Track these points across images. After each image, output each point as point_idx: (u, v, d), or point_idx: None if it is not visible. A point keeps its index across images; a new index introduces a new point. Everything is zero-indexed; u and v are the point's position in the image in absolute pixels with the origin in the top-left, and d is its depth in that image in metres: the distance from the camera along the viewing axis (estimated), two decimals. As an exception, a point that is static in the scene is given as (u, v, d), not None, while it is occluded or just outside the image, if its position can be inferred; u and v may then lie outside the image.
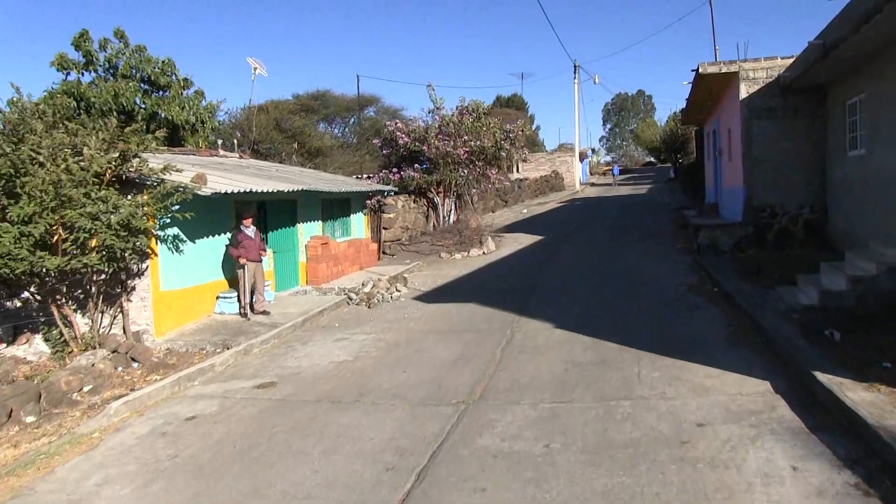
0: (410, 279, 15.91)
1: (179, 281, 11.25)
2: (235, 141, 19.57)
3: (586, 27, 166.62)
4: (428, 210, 22.38)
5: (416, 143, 20.87)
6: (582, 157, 61.73)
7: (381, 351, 9.71)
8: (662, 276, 13.71)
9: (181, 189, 9.81)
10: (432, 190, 21.86)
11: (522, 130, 22.44)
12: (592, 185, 58.31)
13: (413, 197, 21.67)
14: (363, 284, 14.34)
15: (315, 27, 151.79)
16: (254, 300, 12.20)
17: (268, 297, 13.10)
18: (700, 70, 15.47)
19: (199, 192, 10.02)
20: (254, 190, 11.42)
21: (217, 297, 12.19)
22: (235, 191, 10.91)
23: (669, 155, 56.27)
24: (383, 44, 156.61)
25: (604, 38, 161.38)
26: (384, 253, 19.67)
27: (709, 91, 17.88)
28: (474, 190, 23.06)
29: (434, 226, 22.23)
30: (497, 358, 8.84)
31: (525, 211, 31.50)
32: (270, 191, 11.92)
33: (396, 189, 20.68)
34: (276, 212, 14.31)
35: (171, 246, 11.03)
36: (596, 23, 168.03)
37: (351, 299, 13.56)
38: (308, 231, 15.58)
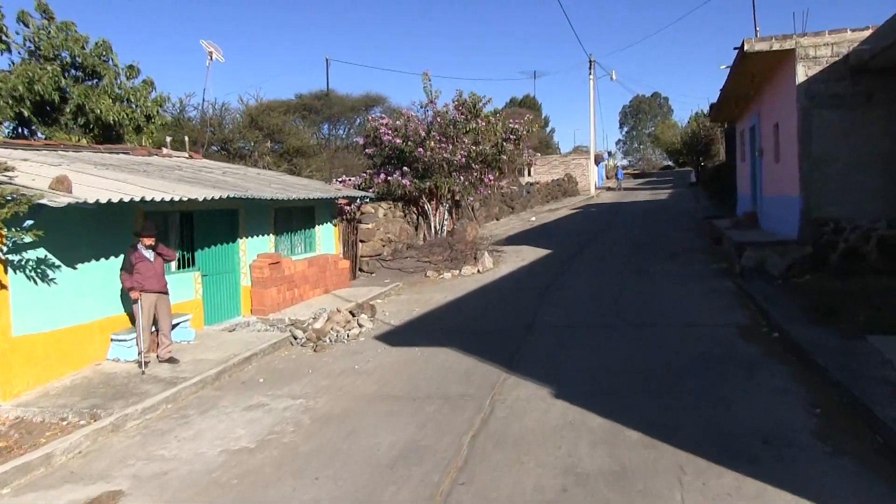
0: (382, 307, 12.90)
1: (47, 320, 8.29)
2: (187, 139, 16.58)
3: (602, 21, 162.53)
4: (418, 219, 19.38)
5: (408, 144, 17.87)
6: (598, 160, 58.49)
7: (300, 432, 6.69)
8: (701, 311, 10.59)
9: (12, 199, 6.82)
10: (423, 197, 18.86)
11: (529, 129, 19.28)
12: (609, 189, 55.06)
13: (400, 204, 18.67)
14: (315, 317, 11.32)
15: (317, 27, 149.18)
16: (158, 344, 9.24)
17: (184, 337, 10.13)
18: (745, 48, 12.35)
19: (45, 202, 7.03)
20: (146, 199, 8.42)
21: (111, 340, 9.22)
22: (114, 200, 7.91)
23: (691, 158, 52.92)
24: (390, 44, 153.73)
25: (621, 33, 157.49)
26: (361, 270, 16.67)
27: (751, 77, 14.73)
28: (471, 197, 19.99)
29: (425, 237, 19.23)
30: (462, 456, 5.79)
31: (533, 219, 28.38)
32: (177, 199, 8.94)
33: (372, 196, 17.72)
34: (207, 224, 11.35)
35: (32, 274, 8.07)
36: (613, 16, 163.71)
37: (296, 338, 10.56)
38: (255, 248, 12.61)
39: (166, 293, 9.19)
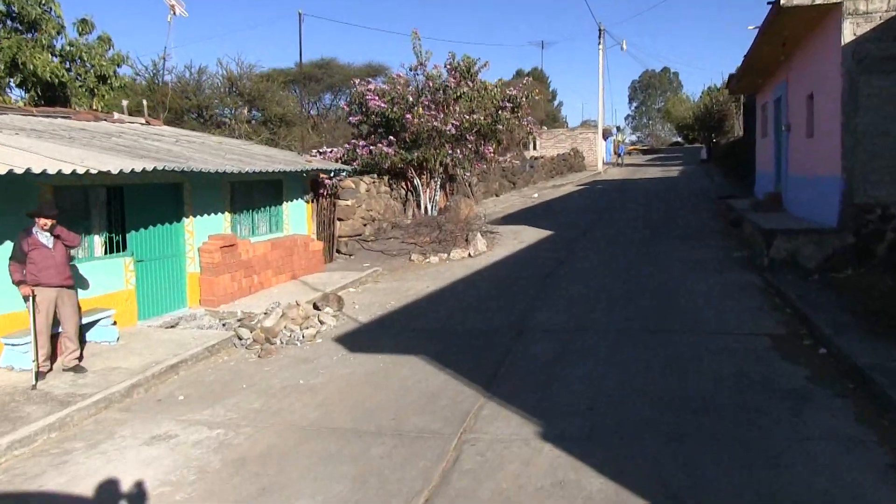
0: (353, 297, 11.22)
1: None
2: (145, 103, 14.74)
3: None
4: (407, 195, 17.59)
5: (394, 110, 16.02)
6: (606, 134, 56.43)
7: (200, 485, 5.02)
8: (725, 313, 8.83)
9: None
10: (412, 171, 17.05)
11: (528, 96, 17.34)
12: (617, 164, 53.05)
13: (386, 178, 16.88)
14: (266, 312, 9.61)
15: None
16: (62, 349, 7.58)
17: (105, 337, 8.47)
18: (782, 2, 10.46)
19: None
20: (33, 171, 6.65)
21: (3, 343, 7.56)
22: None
23: (702, 133, 50.82)
24: (393, 13, 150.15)
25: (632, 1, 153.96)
26: (339, 252, 14.96)
27: (783, 40, 12.84)
28: (467, 173, 18.12)
29: (414, 215, 17.46)
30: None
31: (536, 196, 26.53)
32: (81, 172, 7.19)
33: (355, 168, 15.93)
34: (143, 201, 9.62)
35: None
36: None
37: (241, 339, 8.89)
38: (205, 228, 10.89)
39: (71, 287, 7.49)
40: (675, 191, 26.50)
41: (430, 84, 16.42)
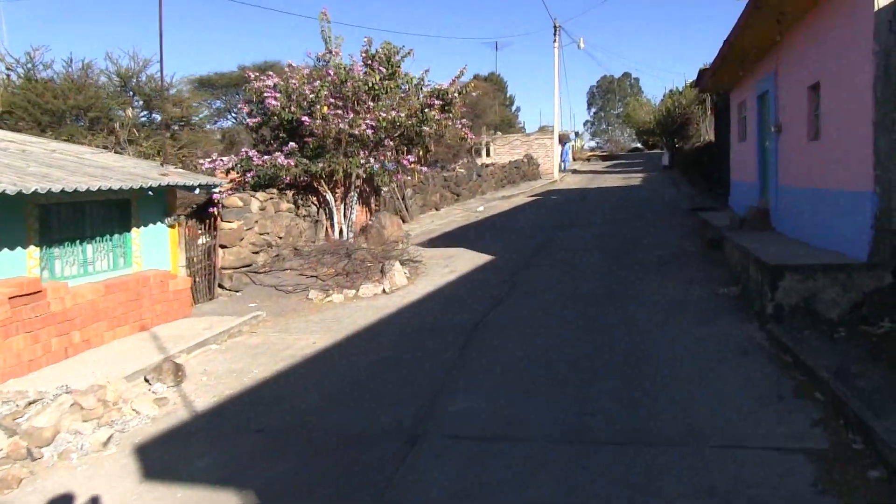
0: (207, 362, 8.06)
1: None
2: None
3: None
4: (319, 212, 14.42)
5: (288, 110, 12.87)
6: (563, 140, 53.89)
7: None
8: (726, 403, 5.80)
9: None
10: (322, 184, 13.90)
11: (462, 91, 14.22)
12: (575, 172, 50.43)
13: (290, 193, 13.69)
14: (34, 401, 6.38)
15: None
16: None
17: None
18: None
19: None
20: None
21: None
22: None
23: (664, 138, 48.50)
24: (342, 12, 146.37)
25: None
26: (222, 288, 11.73)
27: (778, 13, 10.03)
28: (385, 187, 14.88)
29: (328, 236, 14.32)
30: None
31: (481, 209, 23.47)
32: None
33: (226, 182, 12.76)
34: None
35: None
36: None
37: (-22, 456, 5.67)
38: (-14, 270, 7.64)
39: None
40: (640, 202, 23.73)
41: (332, 76, 13.25)
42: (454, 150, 35.05)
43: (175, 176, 10.31)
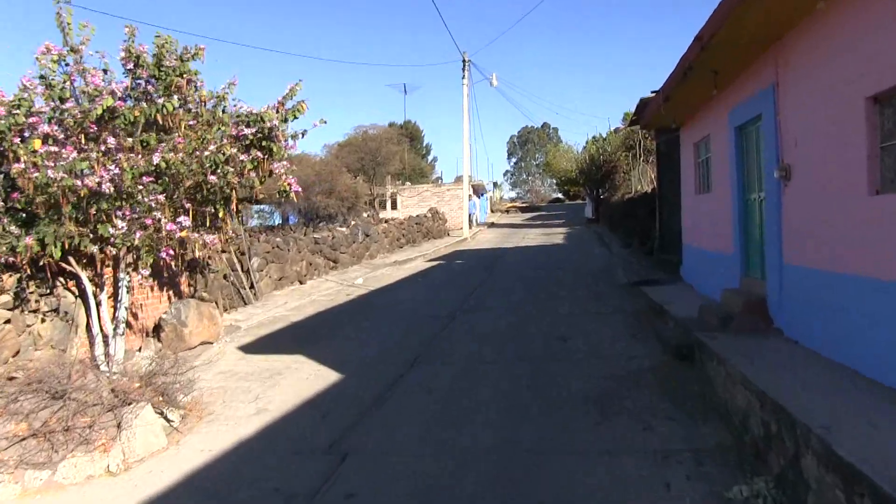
0: None
1: None
2: None
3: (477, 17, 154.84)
4: (76, 306, 8.84)
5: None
6: (479, 190, 49.64)
7: None
8: None
9: None
10: (72, 262, 8.38)
11: (287, 118, 8.85)
12: (492, 226, 45.97)
13: (16, 279, 8.10)
14: None
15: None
16: None
17: None
18: None
19: None
20: None
21: None
22: None
23: (588, 188, 44.72)
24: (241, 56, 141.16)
25: (496, 25, 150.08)
26: None
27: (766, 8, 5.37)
28: (142, 272, 8.75)
29: (91, 346, 8.76)
30: None
31: (360, 281, 18.09)
32: None
33: None
34: None
35: None
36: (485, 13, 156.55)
37: None
38: None
39: None
40: (565, 269, 18.93)
41: (56, 93, 7.91)
42: (348, 202, 29.85)
43: None
